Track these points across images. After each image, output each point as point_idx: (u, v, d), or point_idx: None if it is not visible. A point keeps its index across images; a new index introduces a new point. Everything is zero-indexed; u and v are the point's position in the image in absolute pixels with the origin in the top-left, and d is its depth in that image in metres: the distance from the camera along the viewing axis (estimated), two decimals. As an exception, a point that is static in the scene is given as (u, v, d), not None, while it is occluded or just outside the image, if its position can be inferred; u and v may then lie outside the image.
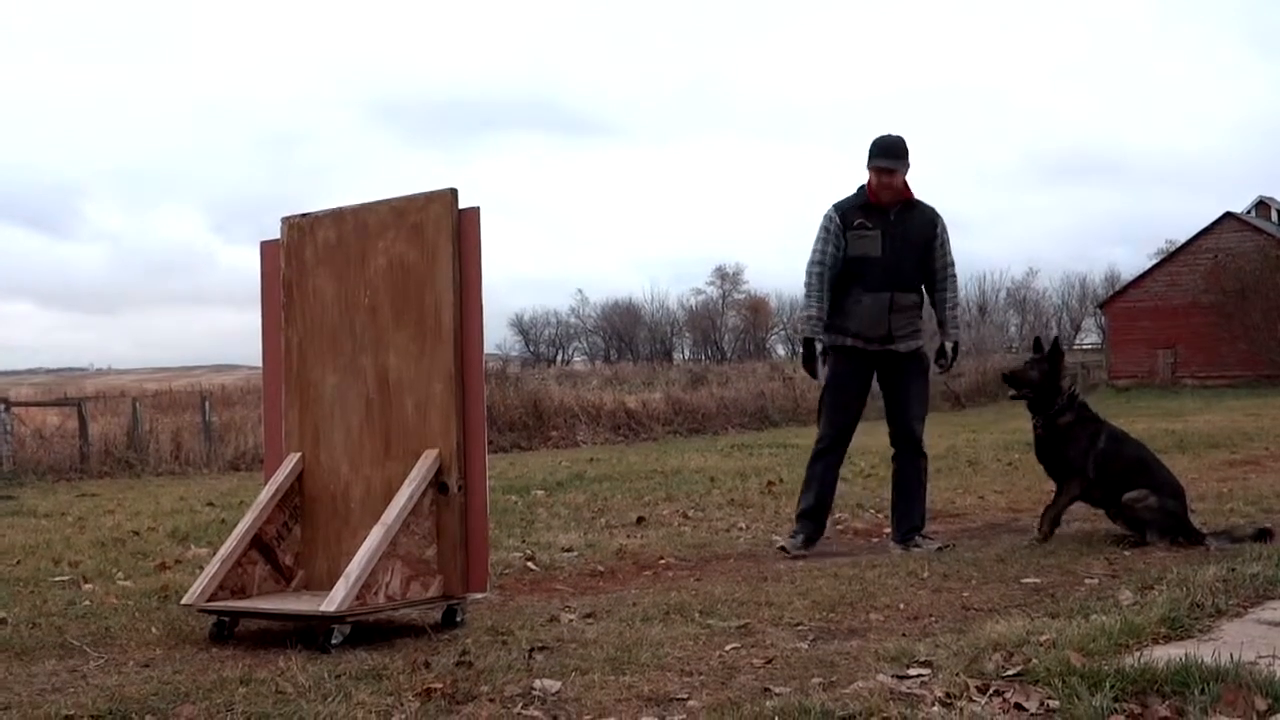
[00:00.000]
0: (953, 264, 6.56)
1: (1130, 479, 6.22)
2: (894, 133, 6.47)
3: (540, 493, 10.07)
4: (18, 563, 6.61)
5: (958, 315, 6.63)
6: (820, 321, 6.51)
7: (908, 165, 6.46)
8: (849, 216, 6.47)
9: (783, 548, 6.35)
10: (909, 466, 6.60)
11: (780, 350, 69.79)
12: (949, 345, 6.59)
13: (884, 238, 6.41)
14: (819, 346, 6.55)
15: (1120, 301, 42.71)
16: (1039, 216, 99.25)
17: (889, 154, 6.40)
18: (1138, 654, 3.36)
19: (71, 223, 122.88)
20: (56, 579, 5.94)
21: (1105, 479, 6.28)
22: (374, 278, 4.82)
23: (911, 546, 6.27)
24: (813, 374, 6.65)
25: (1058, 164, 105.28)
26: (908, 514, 6.49)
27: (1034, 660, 3.29)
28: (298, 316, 5.03)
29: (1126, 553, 5.79)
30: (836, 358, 6.57)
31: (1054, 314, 68.46)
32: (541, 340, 71.53)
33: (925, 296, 6.59)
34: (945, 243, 6.53)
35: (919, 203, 6.54)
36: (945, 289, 6.55)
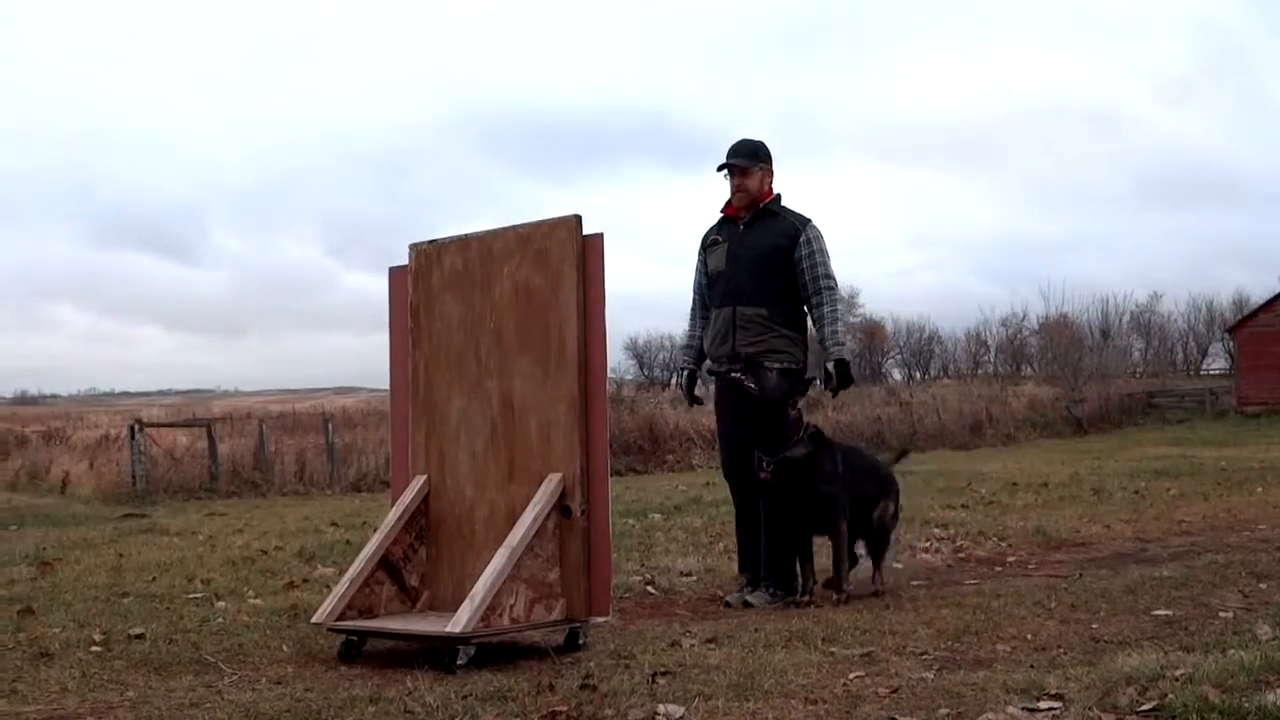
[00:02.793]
0: (827, 277, 5.93)
1: None
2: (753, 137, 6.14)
3: (658, 516, 10.09)
4: (153, 579, 6.81)
5: (838, 332, 5.92)
6: (691, 349, 6.33)
7: (764, 168, 6.06)
8: (709, 234, 6.24)
9: (727, 603, 5.85)
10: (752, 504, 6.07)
11: (896, 374, 69.04)
12: (829, 366, 5.92)
13: (729, 250, 6.06)
14: (696, 373, 6.32)
15: (1250, 326, 41.47)
16: (1158, 239, 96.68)
17: (737, 153, 6.03)
18: (1279, 691, 3.25)
19: (197, 247, 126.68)
20: (191, 596, 6.11)
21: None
22: (499, 303, 4.89)
23: (746, 597, 5.84)
24: (688, 402, 6.57)
25: (1174, 185, 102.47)
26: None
27: (1170, 695, 3.21)
28: (425, 341, 5.12)
29: (1263, 585, 5.61)
30: (715, 383, 6.24)
31: (1179, 338, 66.61)
32: (656, 364, 71.69)
33: (783, 311, 5.99)
34: (814, 254, 5.93)
35: (782, 211, 6.07)
36: (820, 305, 5.92)
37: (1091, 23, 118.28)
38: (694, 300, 6.31)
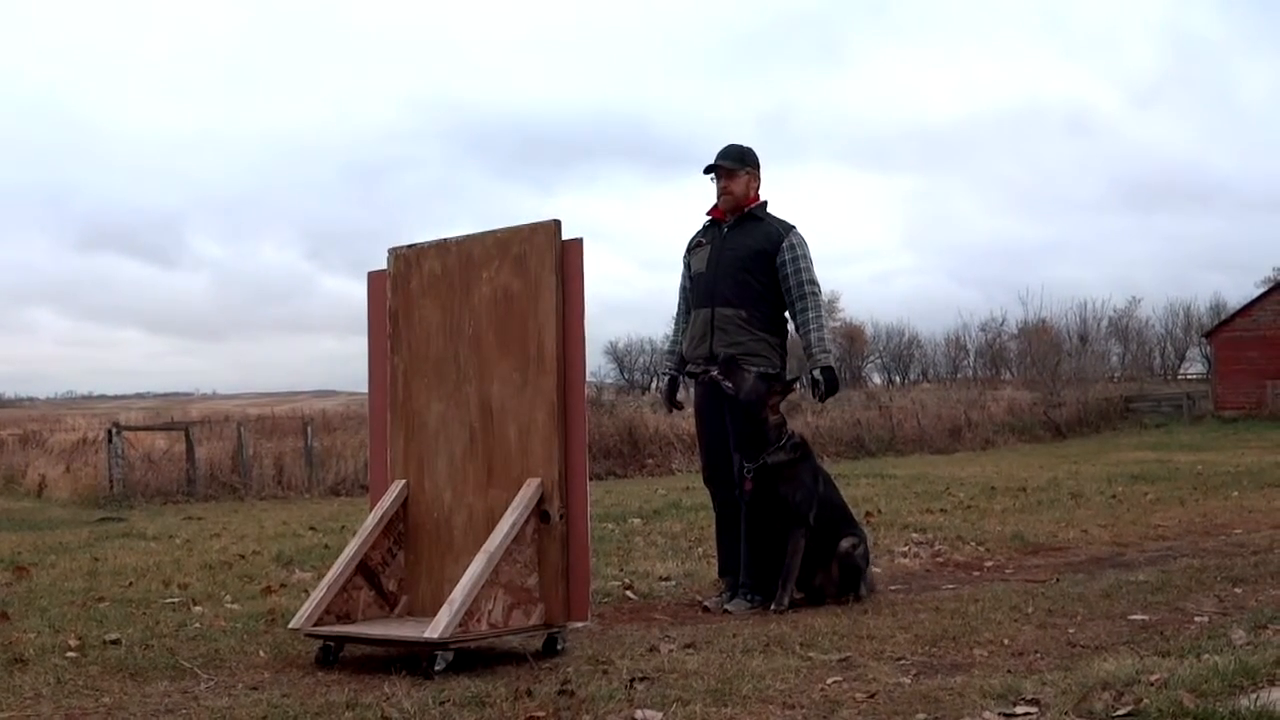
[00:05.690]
0: (811, 282, 5.93)
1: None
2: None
3: (637, 521, 10.08)
4: (130, 584, 6.77)
5: (824, 339, 5.94)
6: (673, 354, 6.31)
7: (750, 172, 6.07)
8: (693, 238, 6.25)
9: (705, 608, 5.81)
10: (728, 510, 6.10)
11: (876, 378, 69.30)
12: (815, 373, 5.92)
13: (711, 252, 6.06)
14: (677, 379, 6.32)
15: (1227, 331, 41.73)
16: (1136, 244, 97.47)
17: (725, 155, 6.04)
18: (1254, 695, 3.26)
19: (175, 251, 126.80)
20: (167, 601, 6.08)
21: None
22: (478, 308, 4.88)
23: (725, 605, 5.77)
24: (668, 408, 6.60)
25: (1150, 190, 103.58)
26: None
27: (1145, 700, 3.22)
28: (403, 346, 5.11)
29: (1238, 590, 5.64)
30: (695, 387, 6.24)
31: (1157, 343, 66.97)
32: (636, 368, 71.81)
33: (762, 314, 5.96)
34: (797, 260, 5.92)
35: (766, 217, 6.06)
36: (805, 310, 5.92)
37: (1063, 27, 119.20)
38: (679, 305, 6.31)
